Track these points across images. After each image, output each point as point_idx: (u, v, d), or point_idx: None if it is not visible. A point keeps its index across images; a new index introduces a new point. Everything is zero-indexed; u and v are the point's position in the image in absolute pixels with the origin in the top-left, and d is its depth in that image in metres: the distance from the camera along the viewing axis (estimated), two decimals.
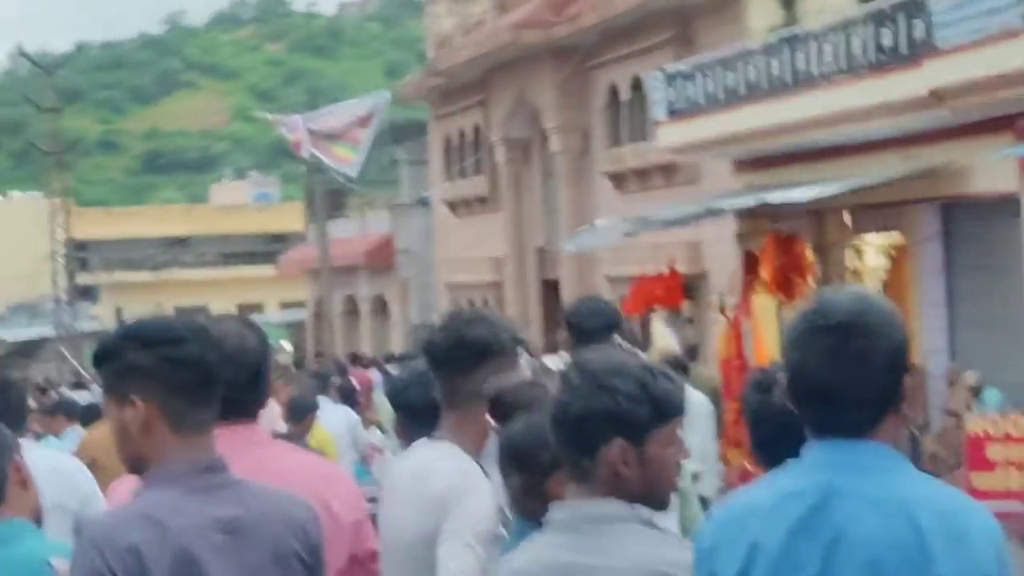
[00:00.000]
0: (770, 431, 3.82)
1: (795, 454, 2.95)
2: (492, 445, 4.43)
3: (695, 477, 7.53)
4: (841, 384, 2.81)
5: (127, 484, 3.77)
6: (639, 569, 3.05)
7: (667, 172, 25.06)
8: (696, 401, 9.40)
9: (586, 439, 3.15)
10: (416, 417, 4.67)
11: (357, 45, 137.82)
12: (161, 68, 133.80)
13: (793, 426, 3.02)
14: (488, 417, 4.16)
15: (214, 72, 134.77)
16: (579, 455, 3.17)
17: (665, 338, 13.74)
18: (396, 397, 5.12)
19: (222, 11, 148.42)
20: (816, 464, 2.87)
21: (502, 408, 4.06)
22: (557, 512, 3.24)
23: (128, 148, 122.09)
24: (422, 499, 4.05)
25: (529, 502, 3.83)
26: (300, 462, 4.48)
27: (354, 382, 17.24)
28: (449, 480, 4.03)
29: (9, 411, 6.32)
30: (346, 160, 32.11)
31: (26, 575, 3.85)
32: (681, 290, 22.79)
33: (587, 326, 6.10)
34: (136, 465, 3.32)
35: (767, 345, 19.18)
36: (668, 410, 3.18)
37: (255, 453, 4.27)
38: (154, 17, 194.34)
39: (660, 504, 3.23)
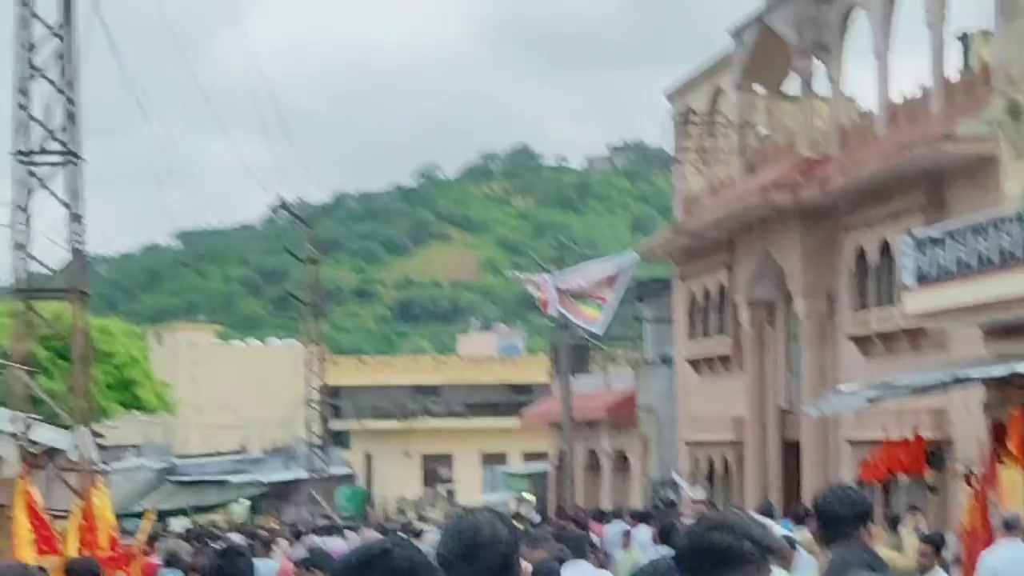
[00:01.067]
0: None
1: None
2: None
3: None
4: None
5: None
6: None
7: (914, 337, 24.64)
8: None
9: None
10: None
11: (604, 199, 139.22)
12: (414, 219, 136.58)
13: None
14: None
15: (465, 224, 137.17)
16: None
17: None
18: None
19: (474, 164, 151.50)
20: None
21: None
22: None
23: (381, 297, 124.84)
24: None
25: None
26: None
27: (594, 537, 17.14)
28: None
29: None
30: (592, 319, 32.47)
31: None
32: (925, 458, 22.61)
33: (839, 515, 6.01)
34: None
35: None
36: None
37: None
38: (408, 169, 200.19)
39: None
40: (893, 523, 15.49)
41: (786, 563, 5.82)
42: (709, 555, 4.07)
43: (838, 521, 5.91)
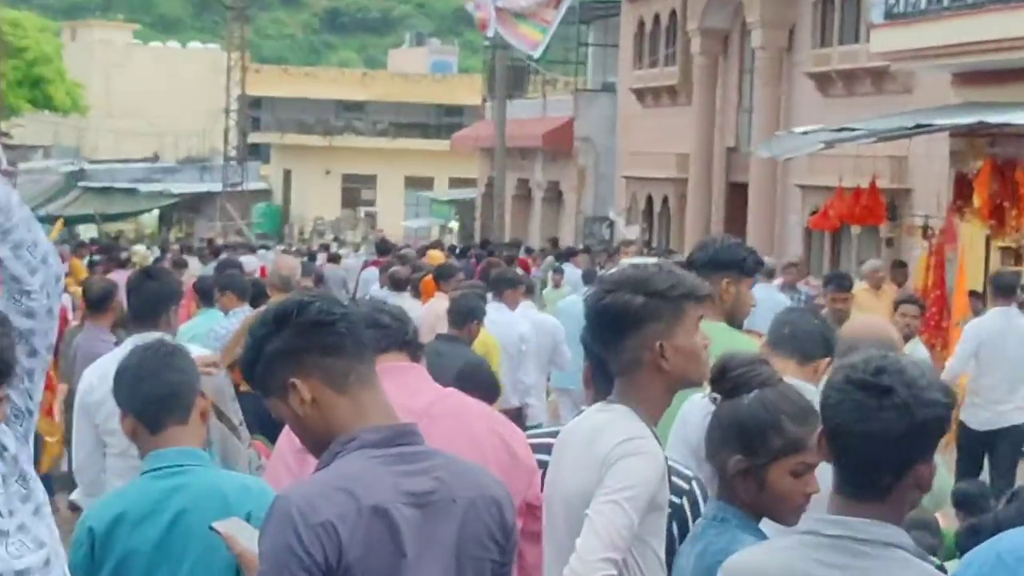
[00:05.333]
0: None
1: None
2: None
3: None
4: None
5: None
6: None
7: (878, 79, 24.58)
8: None
9: (907, 454, 3.11)
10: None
11: None
12: None
13: None
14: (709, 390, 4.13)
15: None
16: (884, 471, 3.12)
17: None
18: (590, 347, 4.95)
19: None
20: None
21: (727, 383, 3.98)
22: (825, 525, 3.18)
23: (309, 4, 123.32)
24: (588, 458, 4.05)
25: (742, 485, 3.86)
26: (476, 403, 4.82)
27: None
28: (616, 441, 3.99)
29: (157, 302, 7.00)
30: (533, 40, 31.94)
31: (205, 505, 4.02)
32: (882, 208, 22.53)
33: (694, 261, 6.00)
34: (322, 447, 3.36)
35: (970, 277, 18.68)
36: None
37: (427, 393, 4.60)
38: None
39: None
40: (845, 283, 14.46)
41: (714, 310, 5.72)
42: (607, 318, 4.19)
43: (697, 270, 5.58)
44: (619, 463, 3.94)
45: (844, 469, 3.18)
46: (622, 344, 4.16)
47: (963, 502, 7.57)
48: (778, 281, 18.16)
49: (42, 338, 3.53)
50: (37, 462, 9.94)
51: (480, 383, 6.61)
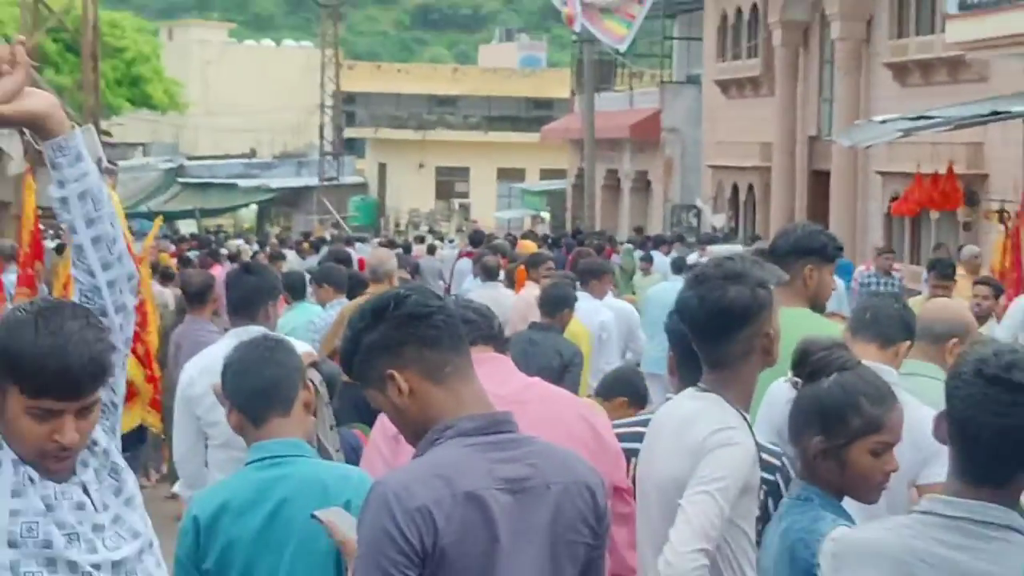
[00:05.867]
0: None
1: None
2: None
3: None
4: None
5: None
6: None
7: (954, 68, 24.39)
8: None
9: None
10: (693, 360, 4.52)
11: None
12: None
13: None
14: (791, 374, 4.12)
15: None
16: (1012, 462, 3.08)
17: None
18: (676, 336, 4.90)
19: None
20: None
21: (807, 367, 4.00)
22: (944, 506, 3.16)
23: (401, 2, 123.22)
24: (681, 447, 4.07)
25: (823, 465, 3.85)
26: (555, 392, 4.68)
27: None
28: (709, 430, 4.02)
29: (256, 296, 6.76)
30: (619, 35, 32.09)
31: (306, 494, 3.99)
32: (959, 193, 22.48)
33: (777, 249, 5.91)
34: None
35: None
36: None
37: (514, 382, 4.53)
38: None
39: None
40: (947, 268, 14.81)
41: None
42: (730, 311, 4.14)
43: (779, 257, 5.70)
44: (712, 453, 3.97)
45: (969, 458, 3.15)
46: (739, 335, 4.15)
47: None
48: (869, 266, 18.18)
49: (119, 333, 3.39)
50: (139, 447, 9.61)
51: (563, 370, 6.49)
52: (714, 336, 4.17)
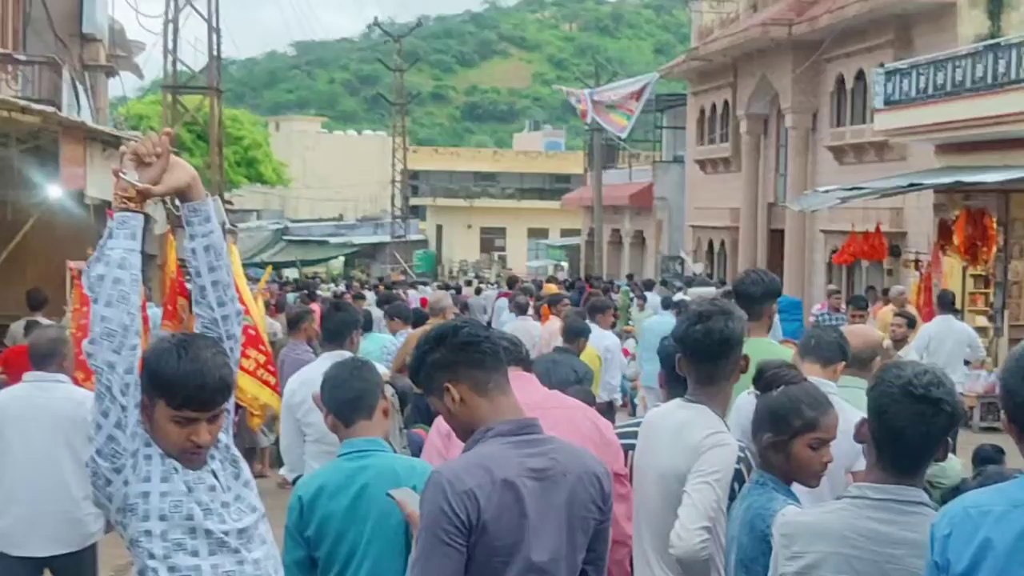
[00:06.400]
0: None
1: None
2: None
3: None
4: None
5: None
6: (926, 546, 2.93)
7: (880, 150, 24.18)
8: None
9: (943, 444, 3.17)
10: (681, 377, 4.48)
11: (634, 27, 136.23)
12: (480, 39, 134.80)
13: None
14: (753, 387, 4.10)
15: (521, 43, 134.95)
16: (926, 457, 3.18)
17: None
18: (666, 358, 4.87)
19: None
20: None
21: (763, 382, 3.98)
22: (872, 491, 3.19)
23: (452, 100, 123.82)
24: (681, 446, 4.07)
25: (774, 457, 3.81)
26: (570, 402, 4.69)
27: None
28: (705, 434, 4.04)
29: (343, 326, 6.86)
30: (621, 125, 32.08)
31: (383, 480, 3.98)
32: (884, 247, 22.36)
33: (751, 294, 5.70)
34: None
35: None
36: None
37: (538, 393, 4.53)
38: (464, 1, 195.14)
39: None
40: (862, 303, 15.12)
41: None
42: (729, 339, 4.18)
43: (751, 299, 5.59)
44: (709, 451, 3.97)
45: (894, 454, 3.18)
46: (730, 357, 4.18)
47: (983, 458, 7.18)
48: (824, 305, 18.01)
49: (231, 356, 3.38)
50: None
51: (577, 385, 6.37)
52: (713, 359, 4.17)
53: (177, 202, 3.36)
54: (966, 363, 13.31)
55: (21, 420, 6.04)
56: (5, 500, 6.06)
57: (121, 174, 3.22)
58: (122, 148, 3.34)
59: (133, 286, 3.18)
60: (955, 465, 6.48)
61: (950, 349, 12.42)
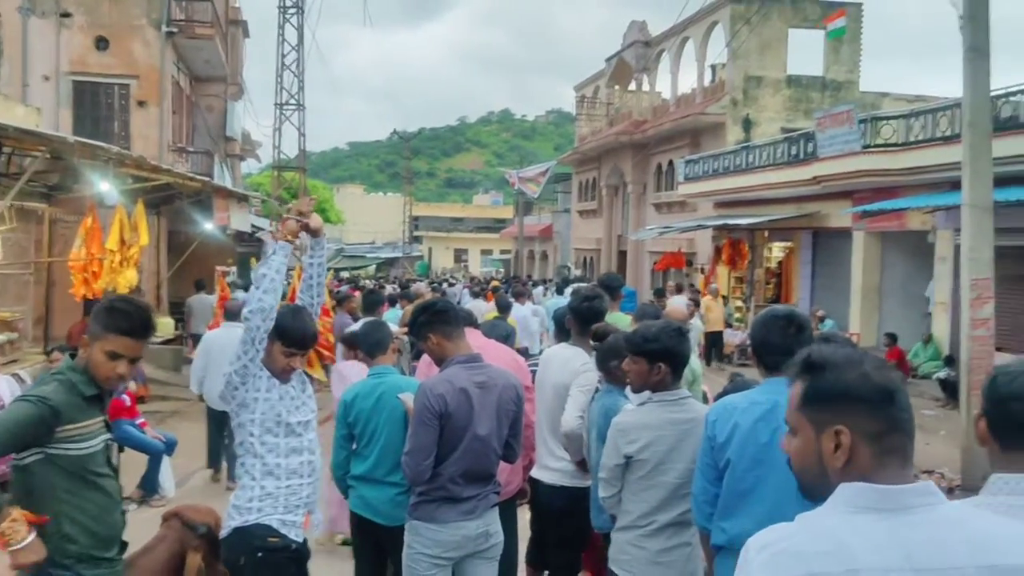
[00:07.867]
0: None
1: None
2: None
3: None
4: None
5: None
6: None
7: (682, 206, 23.93)
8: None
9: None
10: (565, 331, 4.31)
11: (543, 135, 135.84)
12: (455, 141, 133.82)
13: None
14: (590, 340, 3.98)
15: (478, 144, 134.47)
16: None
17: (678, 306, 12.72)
18: (556, 322, 4.67)
19: (484, 116, 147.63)
20: (771, 389, 2.69)
21: (599, 336, 3.89)
22: (664, 395, 3.06)
23: (439, 176, 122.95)
24: (567, 369, 3.94)
25: (613, 375, 3.66)
26: (500, 346, 4.44)
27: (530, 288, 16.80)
28: (581, 363, 3.92)
29: (375, 303, 6.79)
30: (534, 190, 31.89)
31: (393, 389, 3.78)
32: (684, 261, 22.31)
33: (610, 285, 5.33)
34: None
35: (721, 288, 18.63)
36: None
37: (482, 341, 4.27)
38: (446, 119, 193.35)
39: None
40: (661, 292, 14.78)
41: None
42: (593, 311, 4.07)
43: (609, 289, 5.20)
44: (583, 374, 3.84)
45: (674, 371, 3.02)
46: (597, 320, 4.02)
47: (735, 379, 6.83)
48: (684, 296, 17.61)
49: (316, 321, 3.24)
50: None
51: (505, 337, 6.22)
52: (588, 321, 4.04)
53: (303, 235, 3.27)
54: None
55: (225, 350, 6.14)
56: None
57: (291, 218, 3.18)
58: (289, 206, 3.43)
59: (279, 284, 3.09)
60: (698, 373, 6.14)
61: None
